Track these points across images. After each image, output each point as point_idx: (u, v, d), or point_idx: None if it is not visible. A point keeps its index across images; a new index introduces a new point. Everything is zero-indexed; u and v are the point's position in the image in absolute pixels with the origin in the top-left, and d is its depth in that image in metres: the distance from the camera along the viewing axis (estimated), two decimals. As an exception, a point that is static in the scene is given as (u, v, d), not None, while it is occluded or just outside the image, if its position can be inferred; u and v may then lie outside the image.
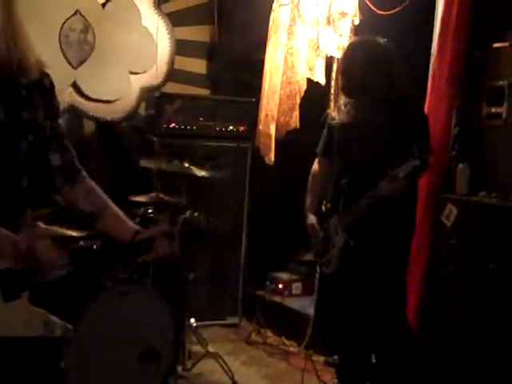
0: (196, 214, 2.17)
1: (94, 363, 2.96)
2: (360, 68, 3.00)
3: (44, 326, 1.90)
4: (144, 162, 3.98)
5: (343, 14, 3.69)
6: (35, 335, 1.88)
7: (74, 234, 3.35)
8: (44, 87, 1.97)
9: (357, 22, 3.79)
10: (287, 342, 4.29)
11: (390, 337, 3.11)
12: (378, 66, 3.00)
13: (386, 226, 2.99)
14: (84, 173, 2.13)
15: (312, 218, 3.26)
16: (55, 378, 2.51)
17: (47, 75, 1.99)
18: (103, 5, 4.61)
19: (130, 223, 2.12)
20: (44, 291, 1.99)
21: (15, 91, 1.88)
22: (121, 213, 2.12)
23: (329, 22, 3.68)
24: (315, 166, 3.37)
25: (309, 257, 3.99)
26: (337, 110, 3.20)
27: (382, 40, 3.09)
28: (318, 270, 3.57)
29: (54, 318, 1.92)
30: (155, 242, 2.02)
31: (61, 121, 2.06)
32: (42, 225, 3.29)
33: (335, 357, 3.66)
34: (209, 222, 2.18)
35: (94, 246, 3.30)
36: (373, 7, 3.72)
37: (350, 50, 3.13)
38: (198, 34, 5.05)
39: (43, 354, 1.97)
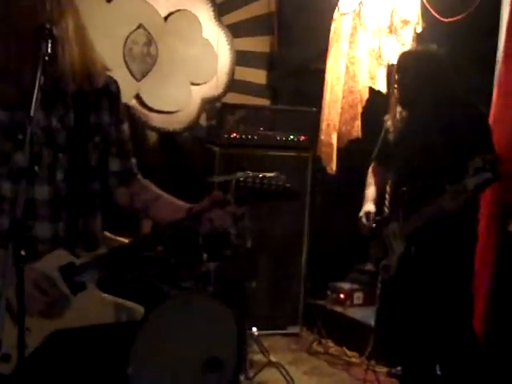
0: (249, 173, 2.03)
1: (157, 371, 3.00)
2: (413, 79, 2.98)
3: (115, 310, 1.96)
4: (207, 175, 4.00)
5: (405, 22, 3.66)
6: (108, 322, 1.94)
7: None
8: (111, 92, 2.03)
9: (419, 30, 3.75)
10: (349, 353, 4.25)
11: (455, 347, 3.05)
12: (432, 77, 2.96)
13: (446, 234, 2.94)
14: (139, 175, 2.15)
15: (370, 207, 3.28)
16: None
17: (114, 81, 2.06)
18: (165, 18, 4.71)
19: (183, 203, 2.06)
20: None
21: (84, 97, 1.95)
22: (173, 198, 2.09)
23: (391, 31, 3.66)
24: (370, 169, 3.42)
25: (370, 266, 3.94)
26: (392, 119, 3.19)
27: (436, 49, 3.05)
28: (379, 278, 3.51)
29: (126, 302, 1.98)
30: (211, 213, 1.94)
31: (125, 126, 2.09)
32: (108, 234, 3.39)
33: (398, 368, 3.61)
34: (266, 181, 2.02)
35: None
36: (436, 14, 3.67)
37: (404, 61, 3.11)
38: (258, 44, 5.09)
39: (114, 341, 2.03)
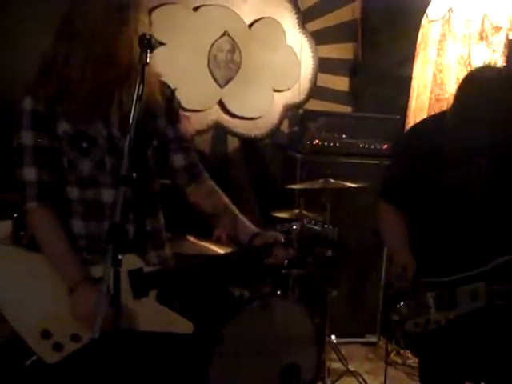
0: (314, 223, 2.11)
1: (236, 375, 3.04)
2: (474, 101, 2.44)
3: (165, 322, 2.00)
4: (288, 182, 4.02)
5: (497, 29, 3.56)
6: (162, 331, 1.99)
7: (219, 249, 3.45)
8: (165, 96, 2.12)
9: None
10: (428, 365, 4.17)
11: None
12: (493, 98, 2.40)
13: None
14: (206, 174, 2.23)
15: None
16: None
17: (167, 85, 2.15)
18: (250, 25, 4.76)
19: (250, 225, 2.15)
20: (192, 303, 2.09)
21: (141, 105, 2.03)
22: (240, 215, 2.17)
23: (481, 38, 3.57)
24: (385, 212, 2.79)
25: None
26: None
27: (500, 69, 2.84)
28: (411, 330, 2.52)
29: (177, 316, 2.02)
30: (273, 248, 2.04)
31: (181, 126, 2.18)
32: (191, 239, 3.46)
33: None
34: (338, 233, 2.13)
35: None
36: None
37: (465, 82, 2.54)
38: (342, 51, 5.07)
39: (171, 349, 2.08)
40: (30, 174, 1.94)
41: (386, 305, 2.65)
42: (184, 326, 2.02)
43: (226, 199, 2.20)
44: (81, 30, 1.89)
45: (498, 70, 2.84)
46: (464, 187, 2.46)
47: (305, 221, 2.10)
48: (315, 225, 2.11)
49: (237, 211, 2.18)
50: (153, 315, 1.98)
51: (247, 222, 2.16)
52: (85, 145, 1.96)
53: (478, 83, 2.45)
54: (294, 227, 2.09)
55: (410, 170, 2.51)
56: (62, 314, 1.92)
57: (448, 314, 2.46)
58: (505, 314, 2.50)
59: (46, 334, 1.92)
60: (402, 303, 2.45)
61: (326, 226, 2.12)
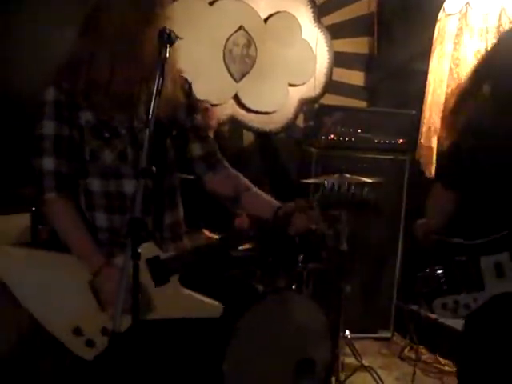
0: (337, 186, 2.04)
1: (251, 369, 3.04)
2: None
3: (194, 306, 2.01)
4: (303, 176, 4.01)
5: (515, 23, 3.54)
6: (190, 316, 2.01)
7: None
8: (184, 90, 2.15)
9: (529, 31, 3.61)
10: (442, 361, 4.16)
11: None
12: None
13: None
14: (226, 162, 2.23)
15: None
16: (217, 379, 2.63)
17: (186, 79, 2.18)
18: (265, 20, 4.76)
19: (272, 201, 2.16)
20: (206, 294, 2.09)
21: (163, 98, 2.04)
22: (263, 193, 2.19)
23: (499, 32, 3.54)
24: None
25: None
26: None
27: None
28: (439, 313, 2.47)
29: (205, 299, 2.03)
30: (294, 216, 2.04)
31: (199, 116, 2.21)
32: (206, 232, 3.47)
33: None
34: (352, 191, 2.05)
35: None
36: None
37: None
38: (357, 45, 5.06)
39: (201, 334, 2.09)
40: (48, 163, 1.95)
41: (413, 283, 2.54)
42: (213, 308, 2.02)
43: (246, 181, 2.21)
44: (106, 29, 1.90)
45: None
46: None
47: (326, 182, 2.01)
48: (348, 187, 2.00)
49: (258, 190, 2.19)
50: (179, 301, 1.99)
51: (269, 198, 2.17)
52: (107, 134, 1.97)
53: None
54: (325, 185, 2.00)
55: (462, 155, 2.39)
56: (89, 310, 1.94)
57: (476, 296, 2.35)
58: None
59: (77, 332, 1.94)
60: (427, 270, 2.42)
61: (353, 186, 2.00)
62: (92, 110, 1.96)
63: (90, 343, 1.96)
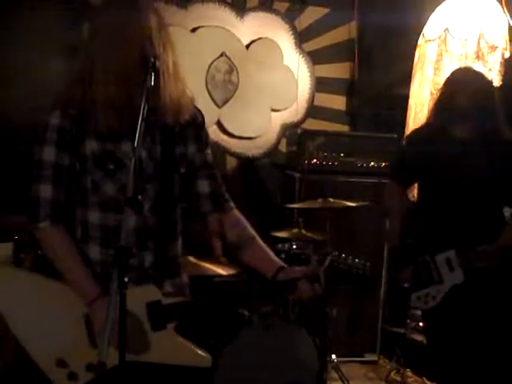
0: (343, 256, 2.09)
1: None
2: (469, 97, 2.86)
3: (185, 355, 1.97)
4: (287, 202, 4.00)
5: (493, 48, 3.60)
6: (180, 364, 1.96)
7: (220, 270, 3.43)
8: (197, 124, 2.09)
9: (507, 55, 3.68)
10: (428, 383, 4.16)
11: None
12: (484, 98, 2.85)
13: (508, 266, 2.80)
14: (232, 203, 2.17)
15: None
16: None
17: (199, 111, 2.12)
18: (247, 46, 4.80)
19: (275, 259, 2.12)
20: (189, 324, 2.07)
21: (170, 130, 2.01)
22: (266, 247, 2.14)
23: (478, 57, 3.61)
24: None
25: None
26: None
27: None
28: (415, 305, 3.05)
29: (195, 349, 1.99)
30: (298, 283, 2.01)
31: (209, 151, 2.13)
32: (192, 259, 3.45)
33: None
34: (370, 268, 2.08)
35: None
36: (524, 40, 3.61)
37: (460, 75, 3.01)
38: (338, 70, 5.11)
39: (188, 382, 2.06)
40: (45, 191, 1.90)
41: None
42: (202, 359, 1.98)
43: (251, 230, 2.14)
44: (98, 52, 1.88)
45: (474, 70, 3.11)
46: (453, 170, 2.87)
47: (334, 254, 2.06)
48: (345, 259, 2.05)
49: (262, 243, 2.13)
50: (171, 348, 1.95)
51: (273, 255, 2.12)
52: (111, 166, 1.92)
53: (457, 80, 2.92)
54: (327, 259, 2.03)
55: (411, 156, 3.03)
56: (77, 343, 1.90)
57: (439, 288, 2.85)
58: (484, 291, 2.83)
59: (61, 363, 1.90)
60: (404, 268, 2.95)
61: (357, 260, 2.06)
62: (97, 138, 1.92)
63: (72, 376, 1.91)
